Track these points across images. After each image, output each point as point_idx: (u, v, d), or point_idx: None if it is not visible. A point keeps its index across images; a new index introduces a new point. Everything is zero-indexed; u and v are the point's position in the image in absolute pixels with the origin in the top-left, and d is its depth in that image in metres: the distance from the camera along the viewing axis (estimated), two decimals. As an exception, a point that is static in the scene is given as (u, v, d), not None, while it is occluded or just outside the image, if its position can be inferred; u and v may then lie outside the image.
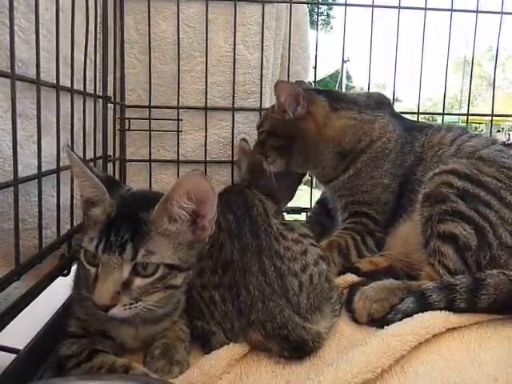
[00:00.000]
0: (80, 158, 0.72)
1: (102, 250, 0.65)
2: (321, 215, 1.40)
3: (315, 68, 1.65)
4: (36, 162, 0.82)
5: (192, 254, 0.72)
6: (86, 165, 0.71)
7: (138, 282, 0.66)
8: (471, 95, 1.70)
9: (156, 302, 0.68)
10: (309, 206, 1.53)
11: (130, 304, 0.65)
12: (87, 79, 1.02)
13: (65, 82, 0.91)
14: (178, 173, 1.40)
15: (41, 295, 0.85)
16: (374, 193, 1.18)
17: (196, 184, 0.69)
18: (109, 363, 0.69)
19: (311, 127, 1.20)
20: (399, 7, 1.43)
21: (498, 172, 1.02)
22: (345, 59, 1.54)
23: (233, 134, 1.40)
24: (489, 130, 1.76)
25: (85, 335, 0.75)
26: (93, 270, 0.67)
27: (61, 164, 0.90)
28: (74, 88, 0.95)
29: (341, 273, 1.08)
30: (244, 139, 1.37)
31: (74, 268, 0.94)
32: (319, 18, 1.49)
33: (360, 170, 1.19)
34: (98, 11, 1.12)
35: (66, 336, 0.75)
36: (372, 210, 1.18)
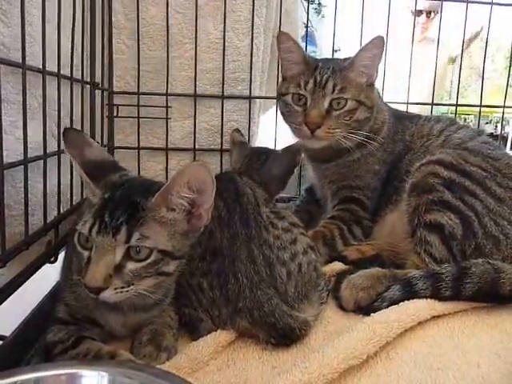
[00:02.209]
0: (68, 142, 0.72)
1: (96, 231, 0.65)
2: (309, 203, 1.40)
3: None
4: (20, 148, 0.81)
5: (186, 244, 0.72)
6: (71, 149, 0.72)
7: (131, 265, 0.65)
8: (461, 86, 1.71)
9: (148, 287, 0.68)
10: (297, 195, 1.53)
11: (122, 288, 0.65)
12: (74, 65, 1.01)
13: (50, 67, 0.90)
14: (167, 160, 1.39)
15: (27, 282, 0.84)
16: (366, 178, 1.19)
17: (197, 174, 0.68)
18: (95, 350, 0.69)
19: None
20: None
21: (483, 162, 1.03)
22: (335, 49, 1.54)
23: (222, 121, 1.39)
24: (477, 122, 1.78)
25: (73, 322, 0.75)
26: (85, 253, 0.66)
27: (48, 150, 0.89)
28: (61, 73, 0.93)
29: (328, 261, 1.08)
30: (237, 130, 1.35)
31: (61, 255, 0.94)
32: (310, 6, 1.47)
33: (363, 157, 1.19)
34: (86, -5, 1.10)
35: (54, 322, 0.75)
36: (362, 196, 1.19)
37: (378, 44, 1.10)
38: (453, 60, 2.27)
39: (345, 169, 1.20)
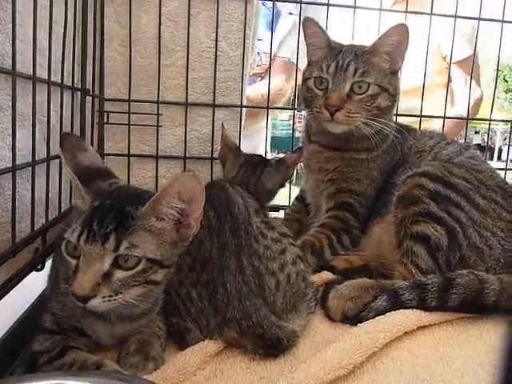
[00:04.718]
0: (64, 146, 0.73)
1: (84, 240, 0.65)
2: (299, 213, 1.41)
3: (296, 65, 1.65)
4: (12, 155, 0.81)
5: (175, 253, 0.73)
6: (66, 153, 0.72)
7: (119, 274, 0.65)
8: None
9: (136, 296, 0.68)
10: (287, 204, 1.54)
11: (110, 296, 0.65)
12: (65, 71, 1.01)
13: (42, 73, 0.89)
14: (157, 168, 1.39)
15: (14, 290, 0.83)
16: (364, 183, 1.20)
17: (188, 185, 0.69)
18: (81, 360, 0.69)
19: None
20: (380, 9, 1.45)
21: (467, 173, 1.05)
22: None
23: (213, 130, 1.39)
24: (465, 134, 1.81)
25: (59, 331, 0.74)
26: (73, 261, 0.66)
27: (36, 157, 0.89)
28: (52, 80, 0.93)
29: (316, 270, 1.09)
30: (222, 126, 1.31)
31: (48, 263, 0.93)
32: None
33: (367, 160, 1.20)
34: (78, 1, 1.10)
35: (40, 331, 0.74)
36: (358, 202, 1.20)
37: (401, 32, 1.12)
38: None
39: (348, 168, 1.21)
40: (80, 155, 0.74)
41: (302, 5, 1.44)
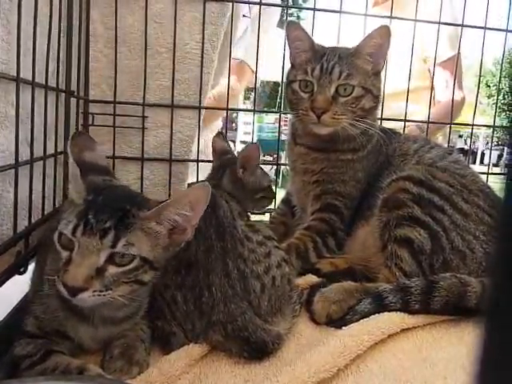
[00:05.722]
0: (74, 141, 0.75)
1: (81, 232, 0.65)
2: (285, 215, 1.41)
3: (283, 68, 1.66)
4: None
5: (164, 257, 0.73)
6: (74, 147, 0.74)
7: (112, 269, 0.66)
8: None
9: (123, 294, 0.68)
10: (273, 206, 1.54)
11: (100, 291, 0.65)
12: (50, 72, 1.00)
13: (26, 74, 0.88)
14: (142, 170, 1.38)
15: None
16: (349, 185, 1.21)
17: (200, 195, 0.71)
18: (64, 364, 0.68)
19: None
20: (366, 15, 1.46)
21: (450, 178, 1.07)
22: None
23: (199, 132, 1.39)
24: (448, 138, 1.84)
25: (41, 335, 0.73)
26: (65, 253, 0.66)
27: (19, 159, 0.88)
28: (36, 81, 0.92)
29: (301, 273, 1.09)
30: (220, 133, 1.33)
31: (31, 266, 0.92)
32: (288, 18, 1.49)
33: (353, 161, 1.20)
34: (63, 2, 1.09)
35: (22, 335, 0.73)
36: (343, 204, 1.20)
37: (382, 33, 1.14)
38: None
39: (334, 169, 1.21)
40: (86, 153, 0.76)
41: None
